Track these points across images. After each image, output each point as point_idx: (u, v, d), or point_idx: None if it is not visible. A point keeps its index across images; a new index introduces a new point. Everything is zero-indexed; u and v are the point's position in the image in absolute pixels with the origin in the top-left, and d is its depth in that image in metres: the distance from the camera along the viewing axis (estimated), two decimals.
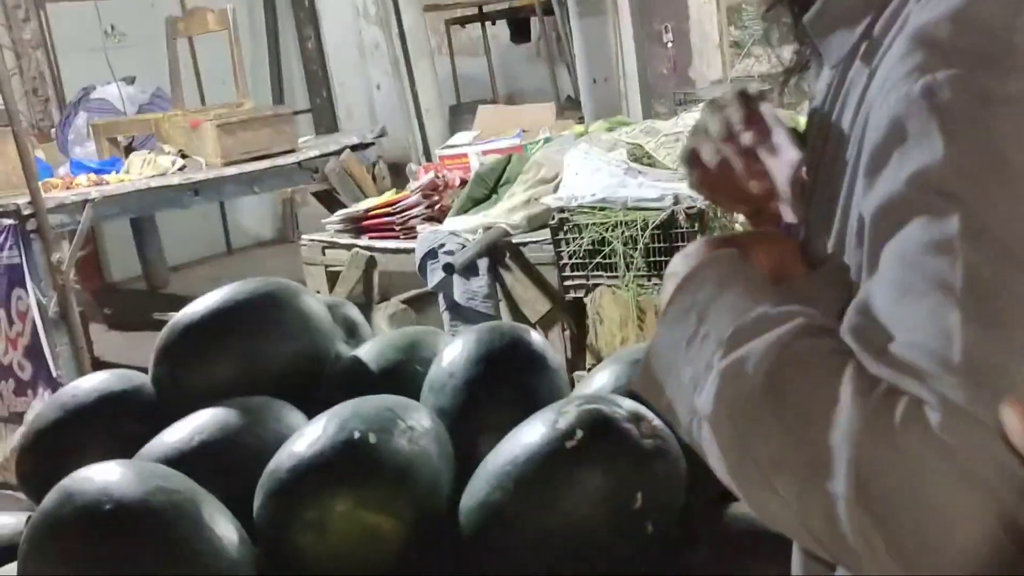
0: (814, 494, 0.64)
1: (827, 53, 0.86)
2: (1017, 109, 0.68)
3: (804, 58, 0.93)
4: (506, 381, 1.29)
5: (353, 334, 1.63)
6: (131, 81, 5.62)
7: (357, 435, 1.08)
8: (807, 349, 0.69)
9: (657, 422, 1.07)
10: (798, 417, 0.66)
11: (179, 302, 1.65)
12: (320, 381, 1.41)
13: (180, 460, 1.20)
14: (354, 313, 1.68)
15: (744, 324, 0.72)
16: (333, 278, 3.84)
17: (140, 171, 4.26)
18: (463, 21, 6.99)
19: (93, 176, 4.17)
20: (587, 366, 3.11)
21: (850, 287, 0.76)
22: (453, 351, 1.33)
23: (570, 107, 5.91)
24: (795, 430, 0.66)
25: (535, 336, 1.38)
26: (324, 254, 3.89)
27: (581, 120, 5.02)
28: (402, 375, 1.39)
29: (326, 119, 7.01)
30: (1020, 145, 0.67)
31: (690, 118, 3.88)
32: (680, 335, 0.76)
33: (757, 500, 0.70)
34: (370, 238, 3.75)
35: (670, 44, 5.17)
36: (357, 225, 3.76)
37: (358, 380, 1.38)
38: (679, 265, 0.82)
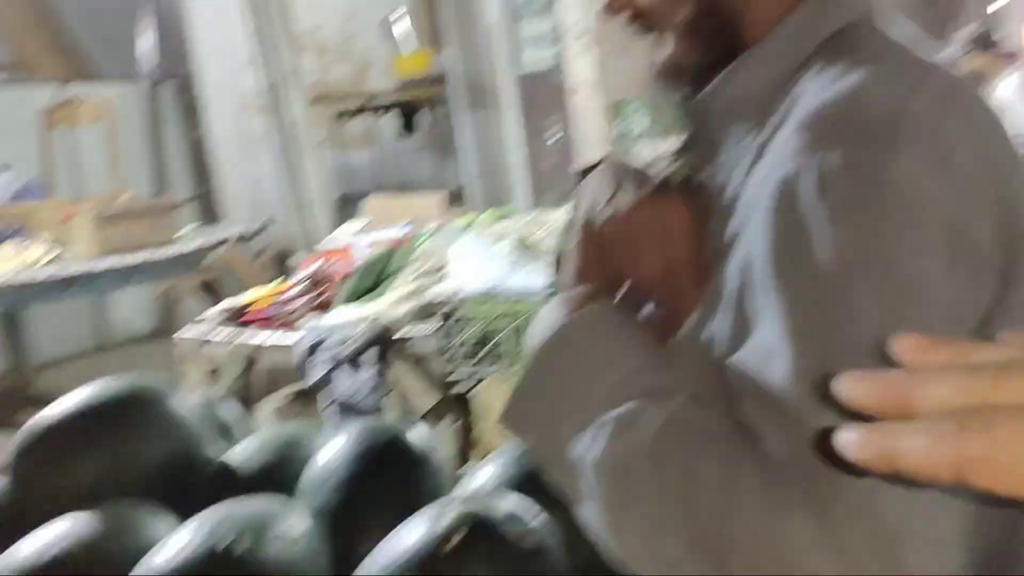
0: (697, 557, 0.64)
1: (723, 134, 0.89)
2: (900, 191, 0.70)
3: (691, 141, 0.95)
4: (387, 479, 1.25)
5: (228, 433, 1.56)
6: (3, 169, 5.43)
7: (223, 545, 1.02)
8: (696, 416, 0.69)
9: (538, 521, 1.04)
10: (685, 482, 0.66)
11: (44, 403, 1.56)
12: (194, 483, 1.34)
13: None
14: (230, 411, 1.62)
15: (629, 382, 0.72)
16: (212, 375, 3.71)
17: (8, 264, 4.08)
18: (351, 113, 7.03)
19: None
20: (474, 460, 3.06)
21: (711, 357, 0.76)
22: (332, 448, 1.28)
23: (458, 199, 5.95)
24: (680, 495, 0.66)
25: (418, 431, 1.34)
26: (202, 349, 3.76)
27: (468, 212, 5.06)
28: (279, 474, 1.33)
29: (210, 209, 6.89)
30: (900, 228, 0.69)
31: None
32: (557, 382, 0.76)
33: (630, 549, 0.69)
34: (252, 331, 3.65)
35: (556, 137, 5.28)
36: (238, 319, 3.66)
37: (233, 481, 1.32)
38: (556, 311, 0.81)
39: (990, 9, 13.80)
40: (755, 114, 0.85)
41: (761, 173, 0.79)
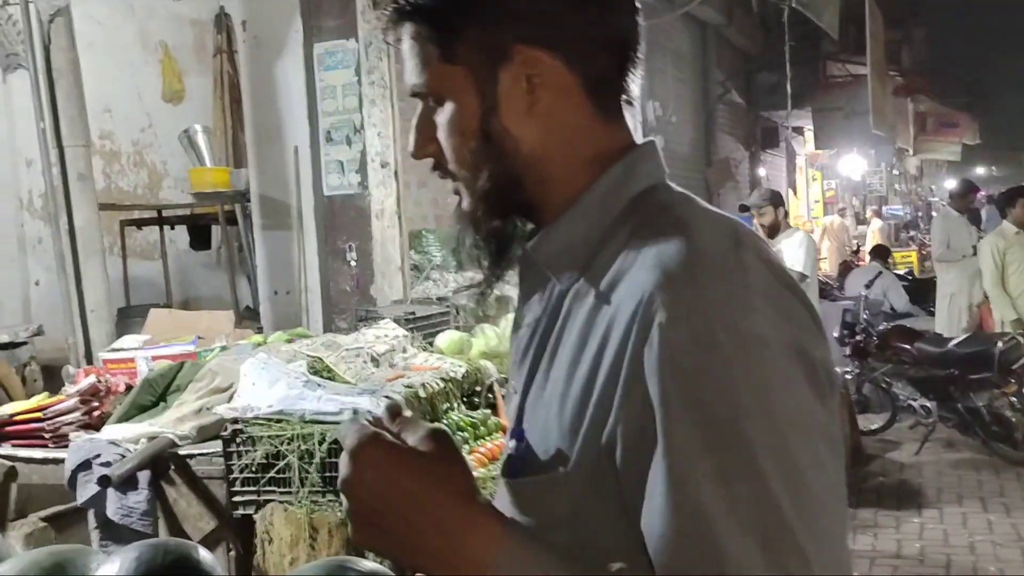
0: None
1: (555, 276, 0.97)
2: (769, 346, 0.80)
3: (497, 277, 1.01)
4: None
5: None
6: None
7: None
8: None
9: None
10: None
11: None
12: None
13: None
14: None
15: None
16: None
17: None
18: (140, 223, 6.79)
19: None
20: None
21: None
22: (109, 571, 1.19)
23: (249, 317, 5.81)
24: None
25: (203, 553, 1.27)
26: None
27: (260, 331, 4.94)
28: None
29: None
30: (762, 388, 0.79)
31: (371, 334, 3.95)
32: None
33: None
34: (13, 445, 3.37)
35: (353, 262, 5.29)
36: None
37: None
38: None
39: (761, 172, 15.08)
40: (578, 264, 0.94)
41: (609, 321, 0.86)
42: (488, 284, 1.02)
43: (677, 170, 10.70)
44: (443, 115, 0.97)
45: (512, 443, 0.94)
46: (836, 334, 7.10)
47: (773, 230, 5.94)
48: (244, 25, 5.65)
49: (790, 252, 5.75)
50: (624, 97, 0.99)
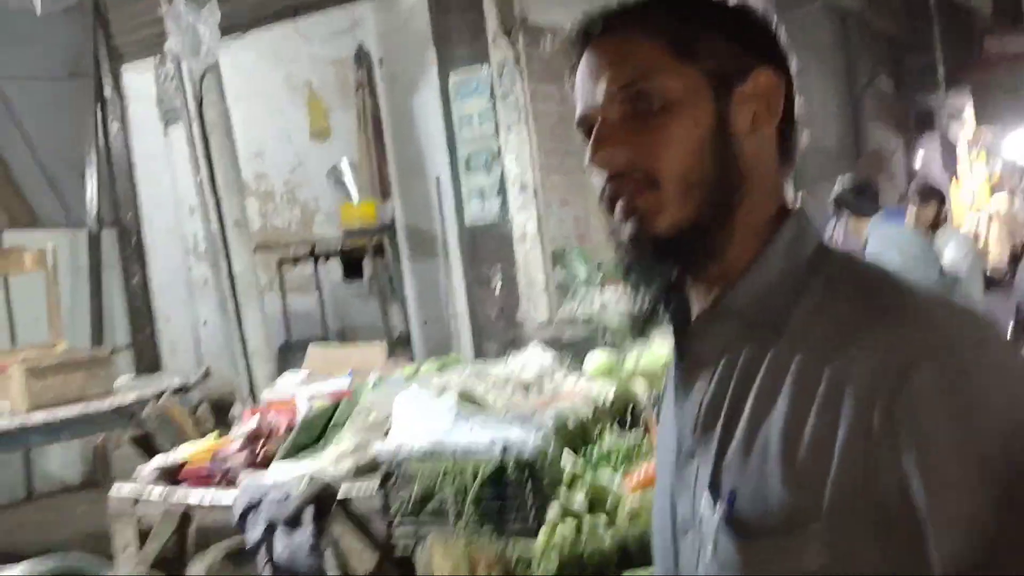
0: None
1: (751, 327, 0.93)
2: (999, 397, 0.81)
3: (659, 312, 0.99)
4: None
5: None
6: None
7: None
8: None
9: None
10: None
11: None
12: None
13: None
14: None
15: None
16: (144, 533, 3.57)
17: None
18: (296, 259, 7.05)
19: None
20: None
21: None
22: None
23: (402, 344, 5.95)
24: None
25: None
26: (135, 508, 3.63)
27: (412, 359, 5.04)
28: None
29: (148, 356, 6.79)
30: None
31: (519, 359, 3.97)
32: None
33: None
34: (187, 486, 3.54)
35: (498, 287, 5.34)
36: (173, 476, 3.56)
37: None
38: None
39: (917, 161, 14.42)
40: (774, 316, 0.92)
41: (830, 376, 0.85)
42: (649, 318, 0.98)
43: (824, 166, 10.34)
44: (662, 120, 0.92)
45: (720, 506, 0.90)
46: (1009, 332, 6.69)
47: (934, 226, 5.66)
48: (381, 62, 5.80)
49: (949, 253, 5.46)
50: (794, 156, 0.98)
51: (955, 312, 0.87)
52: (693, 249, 0.93)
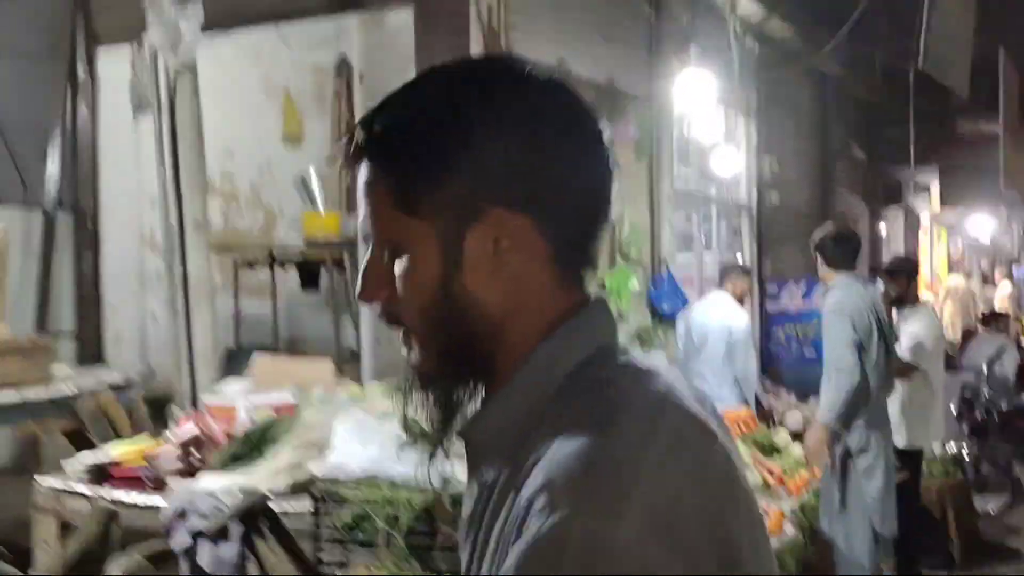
0: None
1: (482, 462, 0.94)
2: (625, 558, 0.75)
3: (445, 438, 0.98)
4: None
5: None
6: None
7: None
8: None
9: None
10: None
11: None
12: None
13: None
14: None
15: None
16: (67, 527, 3.48)
17: None
18: (253, 263, 6.95)
19: None
20: None
21: None
22: None
23: (351, 362, 5.87)
24: None
25: None
26: (62, 500, 3.54)
27: (359, 378, 4.98)
28: None
29: (91, 345, 6.64)
30: None
31: None
32: None
33: None
34: (115, 487, 3.46)
35: None
36: (103, 474, 3.47)
37: None
38: None
39: (882, 230, 14.63)
40: (504, 452, 0.90)
41: (510, 520, 0.84)
42: (435, 444, 0.98)
43: (791, 226, 10.46)
44: (400, 266, 0.93)
45: None
46: (954, 409, 6.78)
47: (900, 300, 5.69)
48: (361, 77, 5.78)
49: (914, 328, 5.48)
50: (591, 257, 0.95)
51: (632, 445, 0.82)
52: (457, 377, 0.95)
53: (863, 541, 4.56)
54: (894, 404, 5.10)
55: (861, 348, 4.49)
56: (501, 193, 0.90)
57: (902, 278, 5.69)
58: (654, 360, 0.97)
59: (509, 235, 0.90)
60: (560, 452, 0.82)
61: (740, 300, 6.53)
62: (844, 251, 4.80)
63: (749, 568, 0.83)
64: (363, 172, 0.94)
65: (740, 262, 7.92)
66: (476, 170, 0.90)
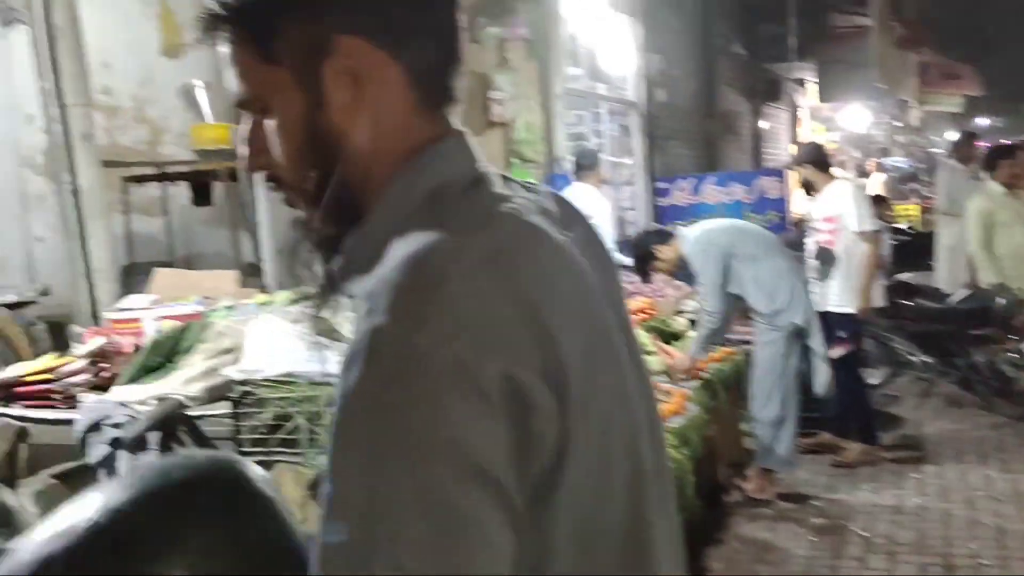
0: None
1: (350, 290, 0.98)
2: (433, 355, 0.79)
3: (333, 290, 1.01)
4: None
5: (7, 521, 1.45)
6: None
7: None
8: None
9: None
10: None
11: None
12: None
13: None
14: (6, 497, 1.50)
15: None
16: None
17: None
18: (142, 179, 6.75)
19: None
20: None
21: None
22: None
23: (252, 274, 5.82)
24: None
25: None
26: None
27: (264, 289, 4.95)
28: None
29: None
30: (426, 395, 0.79)
31: None
32: None
33: None
34: (24, 406, 3.40)
35: None
36: (8, 392, 3.41)
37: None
38: None
39: (763, 125, 14.96)
40: (360, 271, 0.93)
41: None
42: (323, 297, 1.01)
43: (678, 123, 10.62)
44: (271, 122, 0.96)
45: None
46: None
47: (809, 187, 5.90)
48: None
49: (838, 207, 5.67)
50: (448, 89, 0.98)
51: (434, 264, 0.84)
52: (342, 222, 0.96)
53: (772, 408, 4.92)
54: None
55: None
56: (350, 22, 0.92)
57: (812, 164, 5.87)
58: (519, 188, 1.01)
59: (364, 64, 0.92)
60: (385, 266, 0.86)
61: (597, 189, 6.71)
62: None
63: (572, 360, 0.86)
64: (225, 40, 0.96)
65: (592, 150, 7.88)
66: (322, 2, 0.93)
